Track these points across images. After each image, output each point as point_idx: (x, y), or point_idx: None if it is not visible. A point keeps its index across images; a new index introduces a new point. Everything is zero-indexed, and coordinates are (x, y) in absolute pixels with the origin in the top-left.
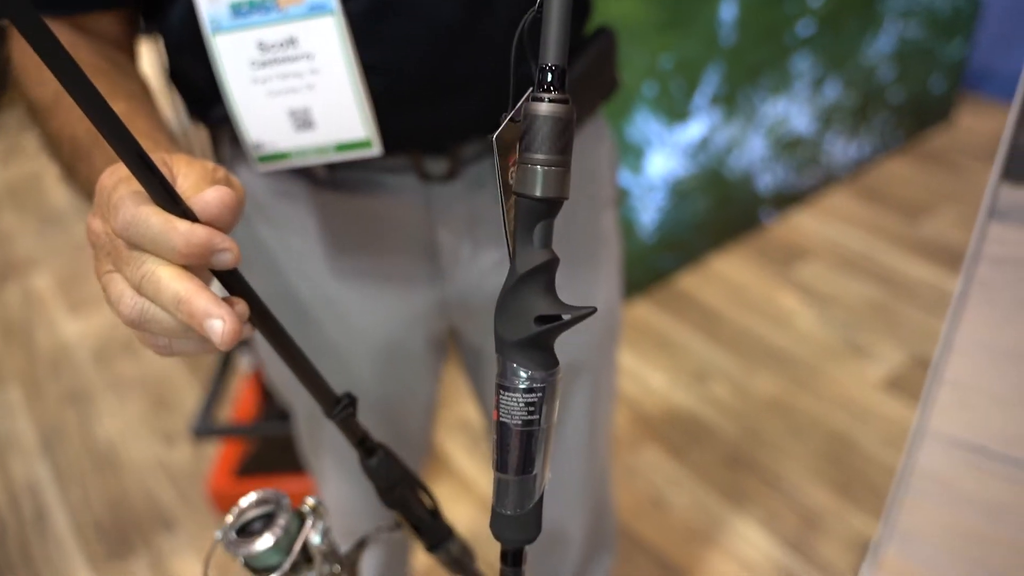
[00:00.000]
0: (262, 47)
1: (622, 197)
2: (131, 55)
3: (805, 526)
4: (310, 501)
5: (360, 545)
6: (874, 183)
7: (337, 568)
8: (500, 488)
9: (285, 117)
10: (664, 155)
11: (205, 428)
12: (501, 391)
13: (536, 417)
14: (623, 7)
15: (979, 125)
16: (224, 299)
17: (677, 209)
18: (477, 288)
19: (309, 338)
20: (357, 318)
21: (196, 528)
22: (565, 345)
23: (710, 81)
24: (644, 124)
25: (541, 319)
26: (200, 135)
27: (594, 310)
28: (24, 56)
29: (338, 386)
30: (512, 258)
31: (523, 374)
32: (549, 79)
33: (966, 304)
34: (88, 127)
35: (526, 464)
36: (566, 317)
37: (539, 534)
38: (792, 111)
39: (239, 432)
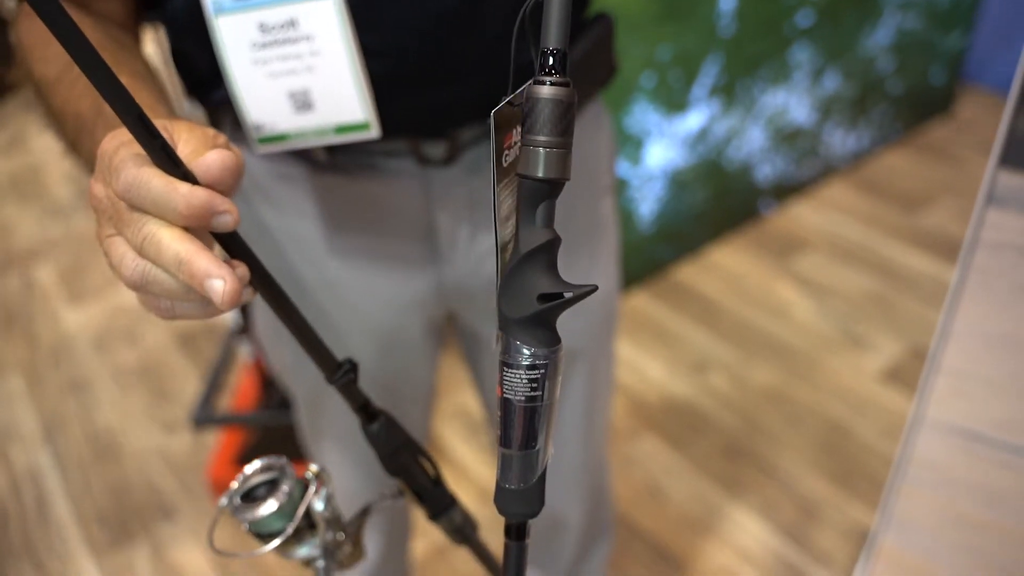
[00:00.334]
0: (263, 29)
1: (621, 188)
2: (136, 38)
3: (803, 516)
4: (313, 468)
5: (363, 513)
6: (873, 175)
7: (341, 535)
8: (504, 463)
9: (285, 99)
10: (663, 146)
11: (205, 417)
12: (505, 368)
13: (539, 393)
14: None
15: (979, 117)
16: (225, 261)
17: (676, 200)
18: (475, 272)
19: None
20: (356, 301)
21: (196, 516)
22: (562, 330)
23: (709, 72)
24: (643, 115)
25: (544, 297)
26: (200, 119)
27: (595, 288)
28: (30, 35)
29: None
30: (497, 237)
31: (526, 351)
32: (551, 63)
33: (963, 291)
34: (92, 103)
35: (529, 439)
36: (568, 295)
37: (542, 508)
38: (791, 102)
39: (239, 421)
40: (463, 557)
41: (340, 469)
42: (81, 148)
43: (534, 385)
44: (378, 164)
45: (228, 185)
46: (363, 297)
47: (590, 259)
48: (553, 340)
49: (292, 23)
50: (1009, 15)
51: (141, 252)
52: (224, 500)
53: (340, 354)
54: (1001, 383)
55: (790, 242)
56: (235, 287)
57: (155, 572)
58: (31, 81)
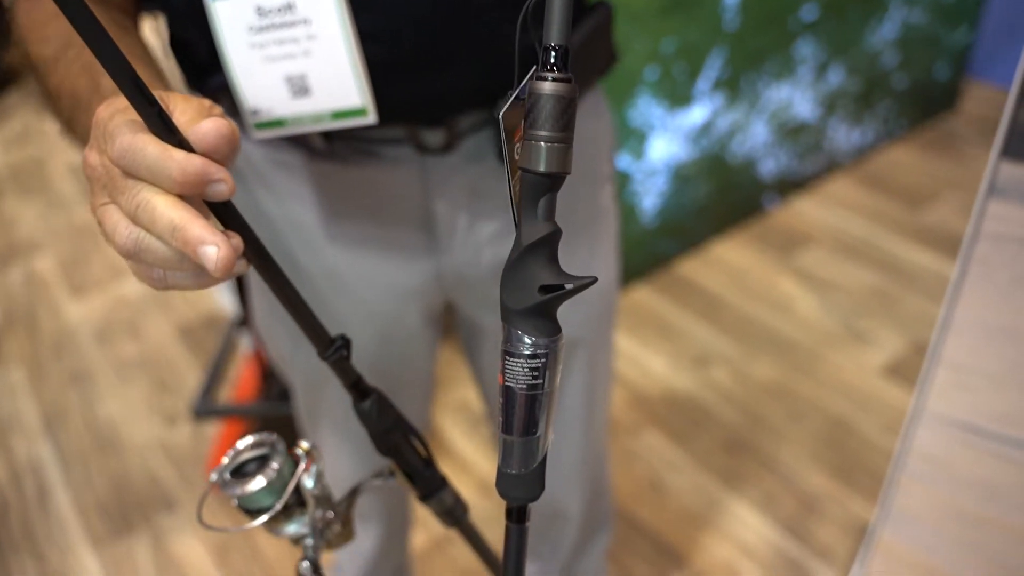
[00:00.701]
0: (260, 12)
1: (624, 182)
2: (135, 22)
3: (804, 510)
4: (304, 445)
5: (353, 492)
6: (877, 170)
7: (330, 514)
8: (506, 449)
9: (282, 83)
10: (666, 139)
11: (206, 409)
12: (507, 357)
13: (540, 382)
14: None
15: (984, 113)
16: (221, 232)
17: (679, 194)
18: (474, 261)
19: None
20: (355, 289)
21: (206, 510)
22: (562, 320)
23: (713, 65)
24: (646, 108)
25: (545, 288)
26: None
27: (595, 279)
28: (28, 16)
29: None
30: (519, 227)
31: (528, 340)
32: (553, 59)
33: (964, 283)
34: (88, 81)
35: (530, 426)
36: (569, 286)
37: (542, 492)
38: (795, 97)
39: (239, 412)
40: (462, 550)
41: (337, 455)
42: (77, 125)
43: (535, 374)
44: (376, 151)
45: (223, 154)
46: (361, 285)
47: (590, 248)
48: (554, 330)
49: (289, 6)
50: (1015, 10)
51: (135, 219)
52: (214, 475)
53: None
54: (1002, 376)
55: (793, 237)
56: (229, 254)
57: (155, 563)
58: (29, 62)
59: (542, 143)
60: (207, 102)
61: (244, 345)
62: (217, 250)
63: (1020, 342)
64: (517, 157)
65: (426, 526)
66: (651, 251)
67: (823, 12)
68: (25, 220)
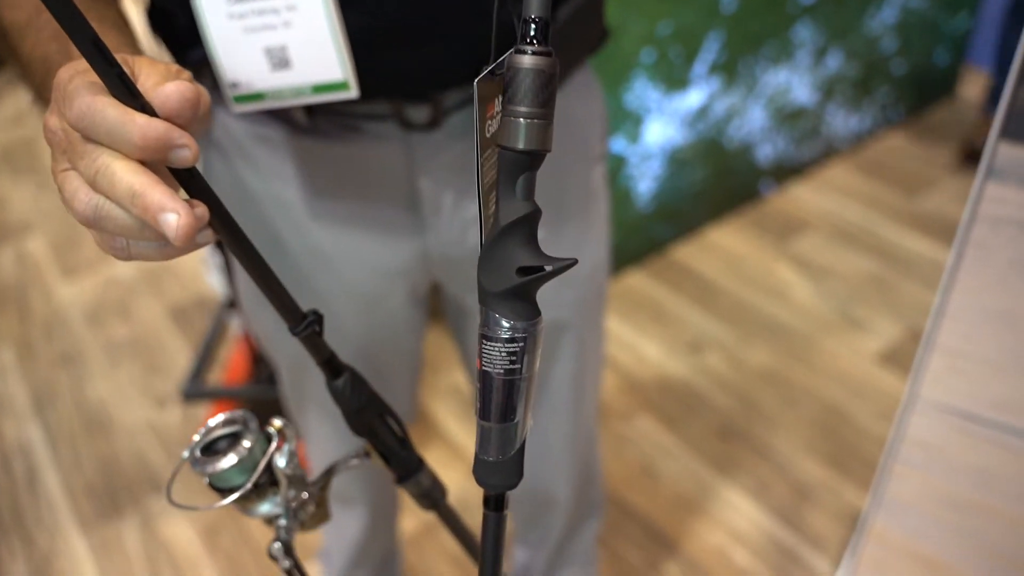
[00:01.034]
0: None
1: (620, 165)
2: None
3: (796, 497)
4: (277, 423)
5: (328, 473)
6: (875, 156)
7: (304, 495)
8: (483, 435)
9: (261, 55)
10: (662, 123)
11: (195, 391)
12: (484, 341)
13: (518, 367)
14: None
15: (983, 99)
16: (185, 200)
17: (674, 178)
18: (460, 241)
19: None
20: (339, 267)
21: (185, 491)
22: (550, 302)
23: (710, 49)
24: (642, 91)
25: (523, 270)
26: None
27: (575, 261)
28: None
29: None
30: (481, 208)
31: (505, 324)
32: (532, 32)
33: (960, 267)
34: (59, 46)
35: (507, 412)
36: (548, 268)
37: (520, 480)
38: (793, 81)
39: (229, 395)
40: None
41: (323, 438)
42: (47, 92)
43: (513, 358)
44: (360, 127)
45: (187, 118)
46: (346, 263)
47: (582, 228)
48: (533, 313)
49: None
50: None
51: (94, 185)
52: (185, 453)
53: (326, 319)
54: (998, 362)
55: (789, 223)
56: (190, 222)
57: (144, 546)
58: (1, 28)
59: (521, 119)
60: (175, 67)
61: (234, 327)
62: (177, 217)
63: (1017, 327)
64: (489, 133)
65: (415, 511)
66: (646, 236)
67: None
68: (16, 201)
